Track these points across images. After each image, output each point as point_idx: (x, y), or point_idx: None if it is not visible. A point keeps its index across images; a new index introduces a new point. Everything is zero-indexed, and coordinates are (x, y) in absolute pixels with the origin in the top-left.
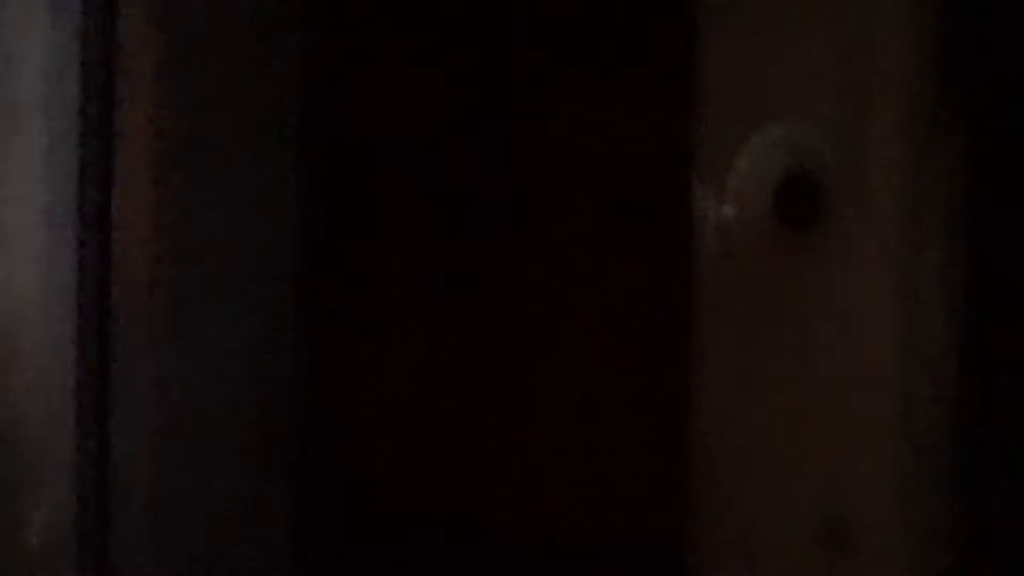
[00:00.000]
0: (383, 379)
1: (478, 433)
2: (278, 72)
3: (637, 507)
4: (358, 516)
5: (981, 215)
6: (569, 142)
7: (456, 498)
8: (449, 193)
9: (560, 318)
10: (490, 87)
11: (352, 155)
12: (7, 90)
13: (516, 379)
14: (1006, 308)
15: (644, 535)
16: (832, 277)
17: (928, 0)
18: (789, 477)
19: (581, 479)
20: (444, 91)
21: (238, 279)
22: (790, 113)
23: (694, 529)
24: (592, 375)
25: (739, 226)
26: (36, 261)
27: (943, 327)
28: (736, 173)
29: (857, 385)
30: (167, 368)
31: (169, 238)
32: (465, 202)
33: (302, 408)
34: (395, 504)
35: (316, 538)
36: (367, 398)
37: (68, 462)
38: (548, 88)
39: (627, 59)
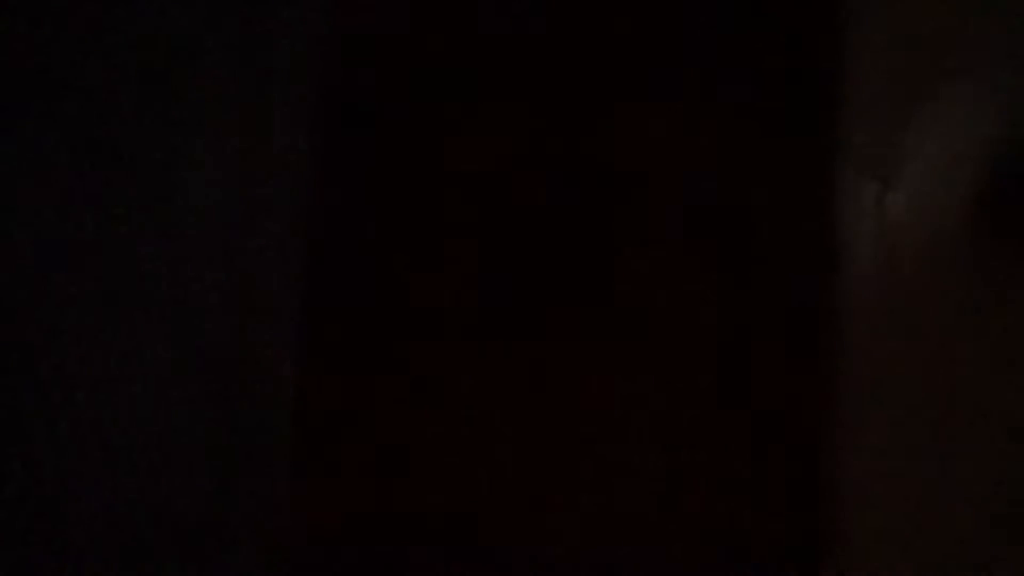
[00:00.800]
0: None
1: (481, 436)
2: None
3: (650, 518)
4: (358, 516)
5: None
6: (656, 168)
7: (457, 500)
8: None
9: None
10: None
11: (425, 188)
12: None
13: (523, 395)
14: None
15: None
16: None
17: None
18: None
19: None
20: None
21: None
22: (988, 64)
23: None
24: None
25: (917, 232)
26: None
27: None
28: (912, 158)
29: None
30: None
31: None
32: (550, 228)
33: (301, 409)
34: (395, 504)
35: (314, 538)
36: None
37: None
38: (631, 112)
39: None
